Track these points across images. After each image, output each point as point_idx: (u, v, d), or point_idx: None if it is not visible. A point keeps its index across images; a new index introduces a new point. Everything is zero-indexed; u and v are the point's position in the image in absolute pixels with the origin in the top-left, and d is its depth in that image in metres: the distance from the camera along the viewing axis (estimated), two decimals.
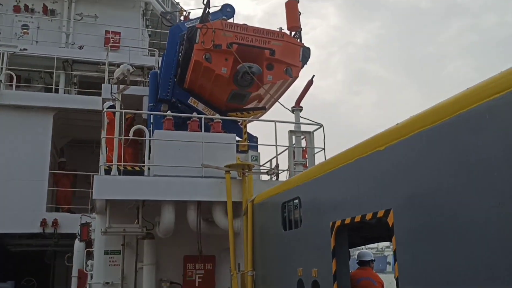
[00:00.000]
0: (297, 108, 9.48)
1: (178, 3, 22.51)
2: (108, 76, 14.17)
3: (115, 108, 9.67)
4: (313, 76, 9.88)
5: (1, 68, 15.09)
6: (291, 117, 9.63)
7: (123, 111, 9.33)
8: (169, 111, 9.94)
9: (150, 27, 19.49)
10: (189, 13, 19.41)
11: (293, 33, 10.57)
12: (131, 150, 10.89)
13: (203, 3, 10.10)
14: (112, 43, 17.03)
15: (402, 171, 4.00)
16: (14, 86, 15.15)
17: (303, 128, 9.52)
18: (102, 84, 13.69)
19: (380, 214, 4.20)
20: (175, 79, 10.85)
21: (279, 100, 10.71)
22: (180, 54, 10.80)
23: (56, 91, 16.03)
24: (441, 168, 3.52)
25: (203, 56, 9.63)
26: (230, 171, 8.52)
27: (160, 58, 13.53)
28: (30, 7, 17.89)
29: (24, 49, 15.87)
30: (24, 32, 17.13)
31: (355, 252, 8.81)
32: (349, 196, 4.89)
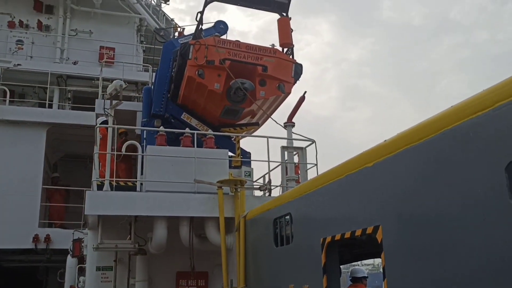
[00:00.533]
0: (289, 124, 9.54)
1: (172, 20, 22.70)
2: (102, 92, 14.22)
3: (107, 123, 9.69)
4: (305, 92, 9.97)
5: None
6: (284, 132, 9.69)
7: (116, 126, 9.35)
8: (162, 127, 9.97)
9: (144, 42, 19.61)
10: (183, 29, 19.61)
11: (285, 49, 10.67)
12: (124, 166, 10.92)
13: (196, 19, 10.21)
14: (106, 58, 17.13)
15: (390, 187, 4.04)
16: (7, 101, 15.16)
17: (296, 144, 9.57)
18: (96, 100, 13.73)
19: (369, 230, 4.23)
20: (169, 95, 10.91)
21: (271, 116, 10.77)
22: (173, 70, 10.88)
23: (50, 106, 16.06)
24: (428, 184, 3.56)
25: (196, 72, 9.70)
26: (223, 187, 8.53)
27: (154, 74, 13.62)
28: (25, 22, 17.98)
29: (18, 64, 15.93)
30: (19, 48, 17.20)
31: (350, 268, 8.81)
32: (339, 212, 4.92)
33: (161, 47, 12.51)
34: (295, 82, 10.55)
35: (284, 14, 10.77)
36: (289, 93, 10.47)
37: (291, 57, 10.59)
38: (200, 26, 10.26)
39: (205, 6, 10.21)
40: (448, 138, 3.33)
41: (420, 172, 3.66)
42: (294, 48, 10.81)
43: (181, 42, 10.96)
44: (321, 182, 5.27)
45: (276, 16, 10.90)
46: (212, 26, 11.63)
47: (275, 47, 10.44)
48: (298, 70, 10.50)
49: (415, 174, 3.73)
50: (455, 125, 3.24)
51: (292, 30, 10.71)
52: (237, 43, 10.09)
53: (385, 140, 4.18)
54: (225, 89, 9.82)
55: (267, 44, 10.59)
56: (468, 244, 3.16)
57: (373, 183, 4.28)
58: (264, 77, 10.03)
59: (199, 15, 10.14)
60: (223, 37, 11.11)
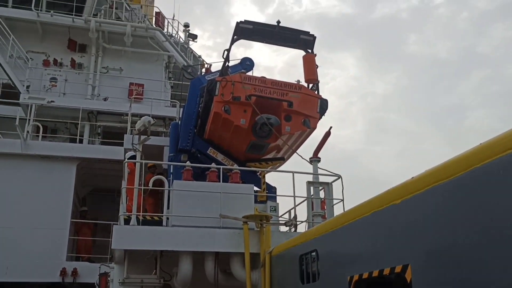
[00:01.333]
0: (315, 159, 9.51)
1: (200, 56, 23.22)
2: (131, 127, 14.52)
3: (135, 158, 9.86)
4: (331, 127, 9.97)
5: (29, 120, 15.59)
6: (310, 167, 9.65)
7: (144, 161, 9.49)
8: (188, 162, 10.07)
9: (172, 79, 20.05)
10: (210, 65, 20.01)
11: (311, 85, 10.76)
12: (152, 200, 11.01)
13: (222, 56, 10.44)
14: (135, 94, 17.56)
15: (419, 225, 3.96)
16: (40, 137, 15.60)
17: (322, 179, 9.51)
18: (125, 135, 14.01)
19: (398, 269, 4.13)
20: (195, 130, 11.06)
21: (297, 151, 10.78)
22: (200, 106, 11.07)
23: (81, 141, 16.46)
24: (458, 223, 3.49)
25: (222, 108, 9.85)
26: (248, 222, 8.50)
27: (181, 109, 13.89)
28: (59, 61, 18.67)
29: (51, 101, 16.45)
30: (53, 85, 17.81)
31: None
32: (366, 250, 4.83)
33: (189, 83, 12.80)
34: (321, 117, 10.58)
35: (310, 50, 10.91)
36: (314, 128, 10.50)
37: (316, 92, 10.66)
38: (227, 63, 10.48)
39: (231, 44, 10.45)
40: (478, 176, 3.27)
41: (450, 210, 3.59)
42: (320, 83, 10.91)
43: (208, 78, 11.18)
44: (348, 219, 5.21)
45: (301, 52, 11.05)
46: (239, 63, 11.86)
47: (300, 83, 10.54)
48: (323, 105, 10.54)
49: (444, 212, 3.66)
50: (485, 162, 3.18)
51: (318, 66, 10.82)
52: (262, 79, 10.24)
53: (412, 177, 4.13)
54: (251, 124, 9.92)
55: (293, 79, 10.73)
56: (501, 284, 3.06)
57: (401, 221, 4.21)
58: (290, 112, 10.10)
59: (225, 52, 10.38)
60: (249, 73, 11.30)
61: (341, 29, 59.05)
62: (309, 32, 10.85)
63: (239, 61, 12.13)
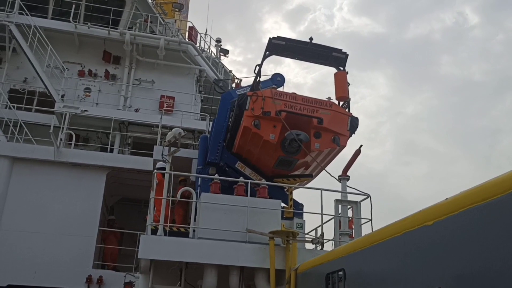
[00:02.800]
0: (344, 177, 9.44)
1: (230, 71, 23.44)
2: (161, 138, 14.71)
3: (164, 169, 9.97)
4: (361, 146, 9.89)
5: (63, 128, 15.97)
6: (338, 185, 9.58)
7: (173, 172, 9.59)
8: (216, 175, 10.12)
9: (202, 92, 20.26)
10: (240, 80, 20.20)
11: (341, 103, 10.72)
12: (182, 211, 11.06)
13: (254, 71, 10.52)
14: (166, 107, 17.80)
15: (451, 247, 3.88)
16: (73, 145, 15.95)
17: (350, 197, 9.42)
18: (154, 146, 14.19)
19: None
20: (224, 144, 11.13)
21: (326, 168, 10.71)
22: (230, 120, 11.14)
23: (111, 150, 16.73)
24: (492, 246, 3.40)
25: (252, 123, 9.89)
26: (275, 238, 8.46)
27: (211, 123, 14.03)
28: (93, 72, 19.14)
29: (85, 110, 16.82)
30: (86, 95, 18.25)
31: None
32: (396, 271, 4.75)
33: (219, 97, 12.92)
34: (351, 135, 10.51)
35: (341, 68, 10.90)
36: (344, 146, 10.43)
37: (347, 110, 10.61)
38: (258, 78, 10.54)
39: (263, 59, 10.53)
40: None
41: (484, 234, 3.51)
42: (350, 101, 10.86)
43: (239, 93, 11.27)
44: (378, 238, 5.14)
45: (332, 69, 11.05)
46: (270, 78, 11.92)
47: (331, 100, 10.52)
48: (354, 123, 10.47)
49: (478, 235, 3.58)
50: None
51: (349, 84, 10.79)
52: (293, 95, 10.25)
53: (446, 198, 4.06)
54: (280, 140, 9.93)
55: (322, 96, 10.71)
56: None
57: (433, 242, 4.13)
58: (319, 129, 10.07)
59: (257, 67, 10.45)
60: (280, 89, 11.34)
61: (372, 48, 58.86)
62: (341, 49, 10.86)
63: (269, 76, 12.20)
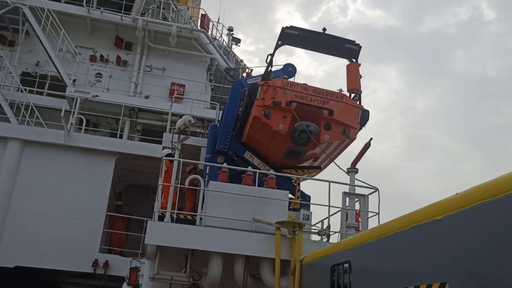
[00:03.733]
0: (352, 170, 9.39)
1: (241, 60, 23.37)
2: (170, 126, 14.74)
3: (172, 156, 9.98)
4: (371, 138, 9.82)
5: (73, 112, 16.06)
6: (346, 178, 9.54)
7: (181, 160, 9.60)
8: (225, 163, 10.12)
9: (213, 81, 20.26)
10: (251, 70, 20.17)
11: (352, 95, 10.65)
12: (193, 198, 11.07)
13: (266, 61, 10.45)
14: (176, 94, 17.83)
15: (460, 243, 3.84)
16: (83, 129, 16.04)
17: (358, 190, 9.38)
18: (164, 133, 14.22)
19: (435, 287, 4.02)
20: (233, 133, 11.11)
21: (334, 161, 10.67)
22: (240, 109, 11.11)
23: (121, 136, 16.81)
24: (501, 243, 3.36)
25: (262, 112, 9.85)
26: (281, 228, 8.46)
27: (221, 112, 14.03)
28: (105, 57, 19.18)
29: (96, 95, 16.90)
30: (97, 80, 18.32)
31: None
32: (402, 265, 4.72)
33: (230, 86, 12.88)
34: (361, 128, 10.44)
35: (354, 60, 10.80)
36: (354, 138, 10.36)
37: (358, 103, 10.53)
38: (270, 68, 10.48)
39: (276, 48, 10.45)
40: None
41: (494, 230, 3.47)
42: (361, 94, 10.78)
43: (250, 82, 11.22)
44: (385, 232, 5.10)
45: (344, 61, 10.96)
46: (281, 69, 11.85)
47: (342, 92, 10.44)
48: (364, 116, 10.39)
49: (488, 232, 3.53)
50: None
51: (361, 76, 10.69)
52: (304, 86, 10.18)
53: (456, 193, 4.01)
54: (290, 130, 9.88)
55: (333, 88, 10.62)
56: None
57: (441, 237, 4.09)
58: (330, 121, 10.01)
59: (269, 57, 10.39)
60: (291, 79, 11.27)
61: (385, 41, 58.38)
62: (354, 41, 10.75)
63: (281, 67, 12.13)
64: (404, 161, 53.52)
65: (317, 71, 61.00)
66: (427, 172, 50.80)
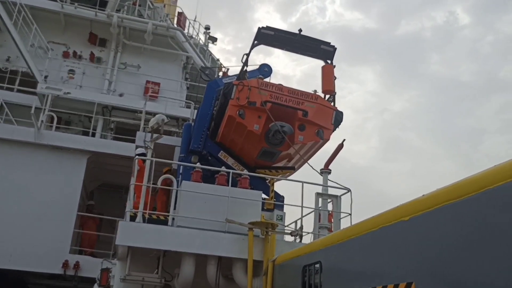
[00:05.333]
0: (325, 170, 9.43)
1: (218, 60, 23.31)
2: (144, 124, 14.58)
3: (145, 156, 9.86)
4: (344, 140, 9.89)
5: (44, 109, 15.72)
6: (320, 179, 9.58)
7: (154, 159, 9.49)
8: (198, 163, 10.05)
9: (189, 80, 20.12)
10: (228, 69, 20.08)
11: (327, 96, 10.70)
12: (165, 198, 10.96)
13: (241, 61, 10.43)
14: (151, 93, 17.63)
15: (426, 243, 3.89)
16: (54, 127, 15.71)
17: (331, 191, 9.43)
18: (137, 132, 14.05)
19: (402, 286, 4.05)
20: (208, 132, 11.05)
21: (308, 162, 10.71)
22: (215, 109, 11.06)
23: (93, 135, 16.53)
24: (466, 243, 3.41)
25: (237, 112, 9.82)
26: (254, 229, 8.44)
27: (195, 111, 13.93)
28: (78, 53, 18.85)
29: (67, 92, 16.58)
30: (70, 77, 17.98)
31: None
32: (371, 265, 4.75)
33: (205, 85, 12.79)
34: (335, 129, 10.51)
35: (329, 61, 10.87)
36: (327, 139, 10.42)
37: (332, 104, 10.60)
38: (245, 67, 10.46)
39: (251, 48, 10.44)
40: (490, 198, 3.20)
41: (458, 230, 3.52)
42: (337, 96, 10.85)
43: (225, 82, 11.17)
44: (354, 232, 5.14)
45: (320, 62, 11.01)
46: (257, 69, 11.83)
47: (317, 93, 10.49)
48: (338, 117, 10.47)
49: (453, 232, 3.58)
50: (498, 184, 3.11)
51: (335, 78, 10.77)
52: (279, 86, 10.20)
53: (423, 195, 4.06)
54: (264, 131, 9.88)
55: (310, 89, 10.66)
56: None
57: (408, 238, 4.13)
58: (304, 122, 10.04)
59: (245, 56, 10.37)
60: (267, 80, 11.27)
61: (363, 43, 58.93)
62: (330, 43, 10.83)
63: (257, 67, 12.11)
64: (380, 162, 54.22)
65: (295, 71, 61.27)
66: (402, 173, 51.58)
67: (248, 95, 9.81)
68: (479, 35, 55.08)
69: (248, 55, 10.37)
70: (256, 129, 9.83)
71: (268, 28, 10.44)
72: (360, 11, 61.94)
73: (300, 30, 10.57)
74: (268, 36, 10.46)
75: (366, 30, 59.46)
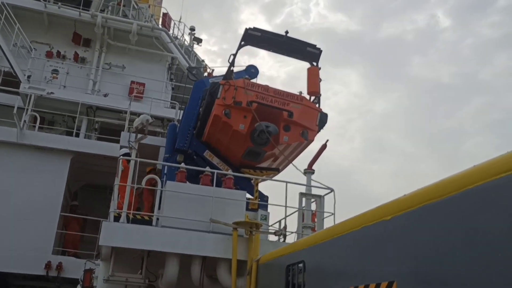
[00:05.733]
0: (309, 171, 9.50)
1: (203, 60, 23.27)
2: (129, 125, 14.50)
3: (129, 156, 9.82)
4: (327, 140, 9.98)
5: (27, 109, 15.54)
6: (303, 179, 9.64)
7: (138, 159, 9.46)
8: (183, 163, 10.04)
9: (174, 80, 20.06)
10: (213, 70, 20.06)
11: (312, 98, 10.77)
12: (151, 198, 10.92)
13: (228, 61, 10.44)
14: (136, 93, 17.54)
15: (407, 242, 3.95)
16: (37, 127, 15.54)
17: (314, 191, 9.50)
18: (122, 132, 13.97)
19: (383, 285, 4.11)
20: (194, 132, 11.05)
21: (293, 162, 10.76)
22: (201, 108, 11.07)
23: (77, 135, 16.38)
24: (446, 242, 3.48)
25: (223, 112, 9.84)
26: (238, 229, 8.46)
27: (181, 112, 13.86)
28: (62, 53, 18.66)
29: (51, 92, 16.40)
30: (54, 77, 17.77)
31: None
32: (353, 264, 4.81)
33: (191, 85, 12.76)
34: (319, 131, 10.58)
35: (315, 63, 10.93)
36: (312, 140, 10.49)
37: (317, 105, 10.66)
38: (232, 67, 10.48)
39: (238, 49, 10.46)
40: (470, 197, 3.27)
41: (439, 230, 3.58)
42: (322, 97, 10.92)
43: (212, 81, 11.19)
44: (337, 232, 5.19)
45: (306, 64, 11.08)
46: (244, 69, 11.84)
47: (302, 95, 10.56)
48: (323, 119, 10.54)
49: (433, 231, 3.65)
50: (477, 184, 3.18)
51: (321, 80, 10.83)
52: (265, 87, 10.24)
53: (404, 195, 4.12)
54: (250, 130, 9.92)
55: (295, 90, 10.72)
56: None
57: (390, 237, 4.20)
58: (289, 122, 10.10)
59: (231, 57, 10.38)
60: (253, 80, 11.30)
61: (346, 45, 59.34)
62: (315, 45, 10.89)
63: (244, 68, 12.13)
64: (363, 163, 54.60)
65: (279, 72, 61.38)
66: (384, 173, 52.01)
67: (234, 95, 9.83)
68: (459, 37, 55.86)
69: (235, 55, 10.39)
70: (241, 129, 9.86)
71: (255, 29, 10.48)
72: (343, 13, 62.37)
73: (286, 32, 10.63)
74: (255, 37, 10.50)
75: (350, 32, 59.89)
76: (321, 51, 10.91)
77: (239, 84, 10.00)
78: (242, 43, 10.52)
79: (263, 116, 9.91)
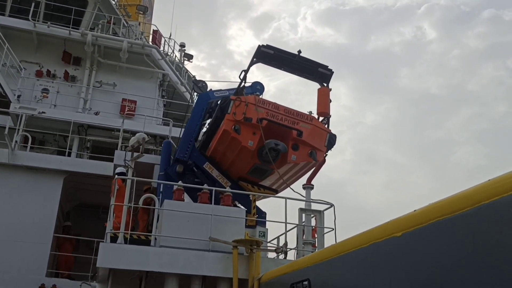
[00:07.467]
0: (308, 186, 9.45)
1: (194, 76, 23.21)
2: (122, 143, 14.35)
3: (125, 175, 9.71)
4: (326, 155, 9.94)
5: (18, 129, 15.35)
6: (302, 194, 9.57)
7: (134, 178, 9.35)
8: (180, 181, 9.94)
9: (165, 97, 19.97)
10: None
11: (321, 118, 10.73)
12: (146, 217, 10.78)
13: (239, 77, 10.40)
14: (128, 111, 17.41)
15: (419, 259, 3.90)
16: (28, 147, 15.34)
17: (314, 206, 9.44)
18: (115, 151, 13.82)
19: None
20: (195, 143, 10.99)
21: (298, 181, 10.70)
22: (203, 120, 11.05)
23: (69, 154, 16.17)
24: (461, 259, 3.43)
25: (233, 127, 9.77)
26: (238, 247, 8.36)
27: (173, 128, 13.72)
28: (52, 72, 18.48)
29: (42, 112, 16.21)
30: (44, 96, 17.58)
31: None
32: (363, 282, 4.74)
33: (182, 102, 12.66)
34: (327, 152, 10.54)
35: (325, 84, 10.91)
36: (319, 161, 10.41)
37: (326, 126, 10.63)
38: (243, 83, 10.42)
39: (250, 65, 10.43)
40: (485, 212, 3.23)
41: (452, 246, 3.54)
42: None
43: (217, 95, 11.20)
44: (344, 249, 5.13)
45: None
46: (250, 86, 11.80)
47: (312, 115, 10.53)
48: (331, 140, 10.53)
49: (446, 248, 3.60)
50: (493, 199, 3.15)
51: (331, 101, 10.81)
52: (276, 105, 10.21)
53: (414, 210, 4.08)
54: (258, 147, 9.84)
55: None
56: None
57: (401, 254, 4.14)
58: (298, 142, 10.05)
59: (243, 73, 10.33)
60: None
61: (334, 58, 59.87)
62: (327, 66, 10.86)
63: (250, 84, 12.02)
64: (354, 175, 54.74)
65: (269, 86, 61.64)
66: (375, 185, 52.15)
67: (245, 111, 9.79)
68: (445, 49, 56.64)
69: (246, 71, 10.35)
70: (250, 145, 9.80)
71: (268, 46, 10.42)
72: (331, 27, 63.03)
73: (299, 52, 10.62)
74: (267, 55, 10.45)
75: (338, 45, 60.48)
76: (332, 72, 10.89)
77: (250, 101, 9.97)
78: (255, 59, 10.48)
79: (273, 133, 9.87)
